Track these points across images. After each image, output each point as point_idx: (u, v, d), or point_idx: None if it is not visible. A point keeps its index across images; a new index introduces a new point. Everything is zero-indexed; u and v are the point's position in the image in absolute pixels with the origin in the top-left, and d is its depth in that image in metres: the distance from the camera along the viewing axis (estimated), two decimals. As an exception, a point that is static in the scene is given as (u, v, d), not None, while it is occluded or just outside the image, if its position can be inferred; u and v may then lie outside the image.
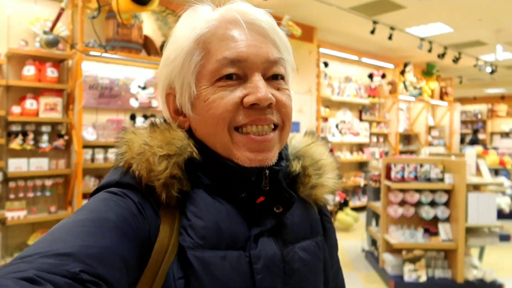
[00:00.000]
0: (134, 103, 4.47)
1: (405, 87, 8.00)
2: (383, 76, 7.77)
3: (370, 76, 7.77)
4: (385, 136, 8.22)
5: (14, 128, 3.71)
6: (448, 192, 3.66)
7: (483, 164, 4.00)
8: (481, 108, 14.52)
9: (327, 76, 6.91)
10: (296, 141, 0.77)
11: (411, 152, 8.31)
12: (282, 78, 0.66)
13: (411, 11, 5.40)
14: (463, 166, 3.53)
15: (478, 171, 3.99)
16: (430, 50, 6.73)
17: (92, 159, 4.00)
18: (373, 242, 4.50)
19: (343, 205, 6.12)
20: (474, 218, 3.54)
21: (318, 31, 6.30)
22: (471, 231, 3.66)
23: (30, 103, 3.73)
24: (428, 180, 3.69)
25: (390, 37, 5.95)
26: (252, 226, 0.63)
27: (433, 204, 3.72)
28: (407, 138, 8.98)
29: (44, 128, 3.81)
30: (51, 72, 3.83)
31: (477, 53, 7.85)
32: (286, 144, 0.74)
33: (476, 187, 3.84)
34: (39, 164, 3.76)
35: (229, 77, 0.61)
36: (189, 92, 0.64)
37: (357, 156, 7.33)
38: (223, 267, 0.58)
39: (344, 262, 4.42)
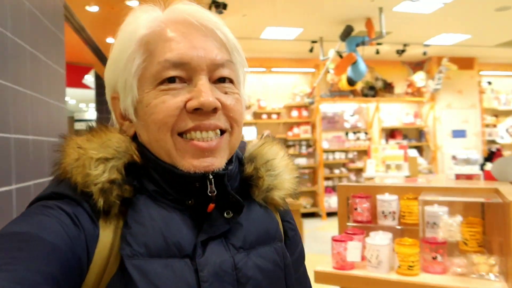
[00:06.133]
0: (346, 125, 7.65)
1: None
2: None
3: (538, 86, 8.92)
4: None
5: (290, 143, 7.33)
6: None
7: None
8: None
9: (493, 91, 8.60)
10: (251, 145, 0.74)
11: None
12: (231, 81, 0.63)
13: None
14: None
15: None
16: None
17: (327, 158, 7.33)
18: None
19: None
20: None
21: (478, 60, 8.18)
22: None
23: (296, 130, 7.27)
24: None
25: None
26: (200, 233, 0.59)
27: None
28: None
29: (303, 142, 7.33)
30: (305, 112, 7.32)
31: None
32: (244, 148, 0.73)
33: None
34: (300, 162, 7.24)
35: (171, 80, 0.58)
36: (132, 96, 0.61)
37: (527, 155, 8.60)
38: (165, 276, 0.54)
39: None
